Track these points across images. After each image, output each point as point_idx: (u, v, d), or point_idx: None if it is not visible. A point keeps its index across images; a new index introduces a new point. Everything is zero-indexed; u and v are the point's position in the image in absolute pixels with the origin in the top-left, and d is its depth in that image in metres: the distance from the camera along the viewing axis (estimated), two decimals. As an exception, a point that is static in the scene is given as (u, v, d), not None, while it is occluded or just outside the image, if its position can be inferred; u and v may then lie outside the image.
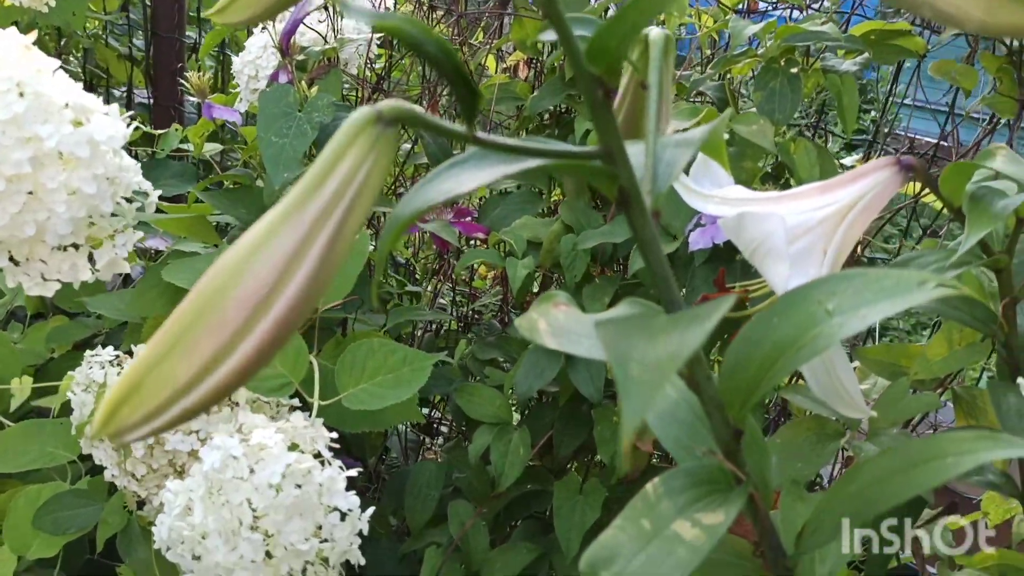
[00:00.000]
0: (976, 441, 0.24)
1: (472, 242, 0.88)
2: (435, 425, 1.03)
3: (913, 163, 0.47)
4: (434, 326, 0.99)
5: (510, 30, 0.84)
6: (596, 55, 0.23)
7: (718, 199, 0.47)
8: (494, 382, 0.79)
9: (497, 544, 0.76)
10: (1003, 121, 0.73)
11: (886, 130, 0.95)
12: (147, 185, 0.52)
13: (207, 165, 1.12)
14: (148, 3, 1.27)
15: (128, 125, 0.48)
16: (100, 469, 0.59)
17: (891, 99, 0.82)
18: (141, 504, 0.61)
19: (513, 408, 0.93)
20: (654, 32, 0.33)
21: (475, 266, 1.13)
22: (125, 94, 1.37)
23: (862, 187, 0.47)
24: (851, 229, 0.46)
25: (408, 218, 0.25)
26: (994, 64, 0.63)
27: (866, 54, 0.73)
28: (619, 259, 0.79)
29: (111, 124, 0.45)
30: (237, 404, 0.57)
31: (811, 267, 0.45)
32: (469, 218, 0.87)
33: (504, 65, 0.96)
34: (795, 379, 0.84)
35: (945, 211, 0.83)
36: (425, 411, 1.02)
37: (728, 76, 0.74)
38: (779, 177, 0.71)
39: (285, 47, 0.71)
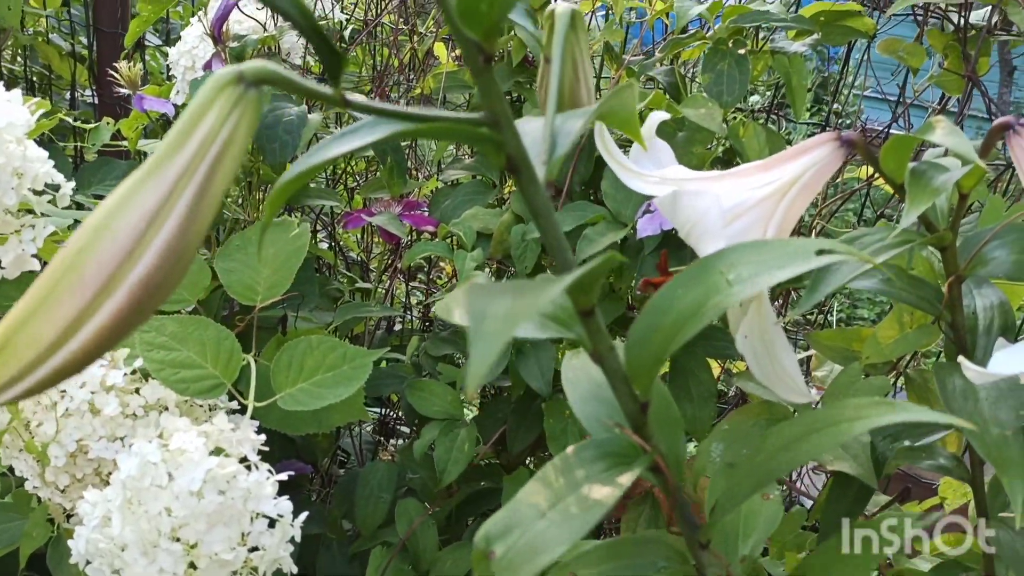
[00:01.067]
0: (872, 407, 0.23)
1: (423, 235, 0.86)
2: (392, 425, 1.01)
3: (853, 138, 0.46)
4: (386, 323, 0.97)
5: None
6: (469, 19, 0.21)
7: (657, 179, 0.46)
8: (448, 378, 0.77)
9: (448, 544, 0.74)
10: (952, 105, 0.73)
11: (841, 117, 0.94)
12: (59, 177, 0.49)
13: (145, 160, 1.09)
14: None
15: (33, 113, 0.45)
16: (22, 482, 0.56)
17: (842, 82, 0.81)
18: (70, 516, 0.58)
19: (470, 405, 0.91)
20: (561, 6, 0.32)
21: (437, 262, 1.11)
22: (69, 94, 1.32)
23: (803, 164, 0.45)
24: (792, 206, 0.45)
25: (293, 180, 0.24)
26: (941, 41, 0.62)
27: (816, 35, 0.72)
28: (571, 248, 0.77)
29: (13, 110, 0.42)
30: (166, 408, 0.54)
31: (752, 248, 0.44)
32: (419, 211, 0.84)
33: (454, 54, 0.93)
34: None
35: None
36: (382, 411, 0.99)
37: (678, 60, 0.72)
38: (730, 161, 0.70)
39: (217, 34, 0.68)
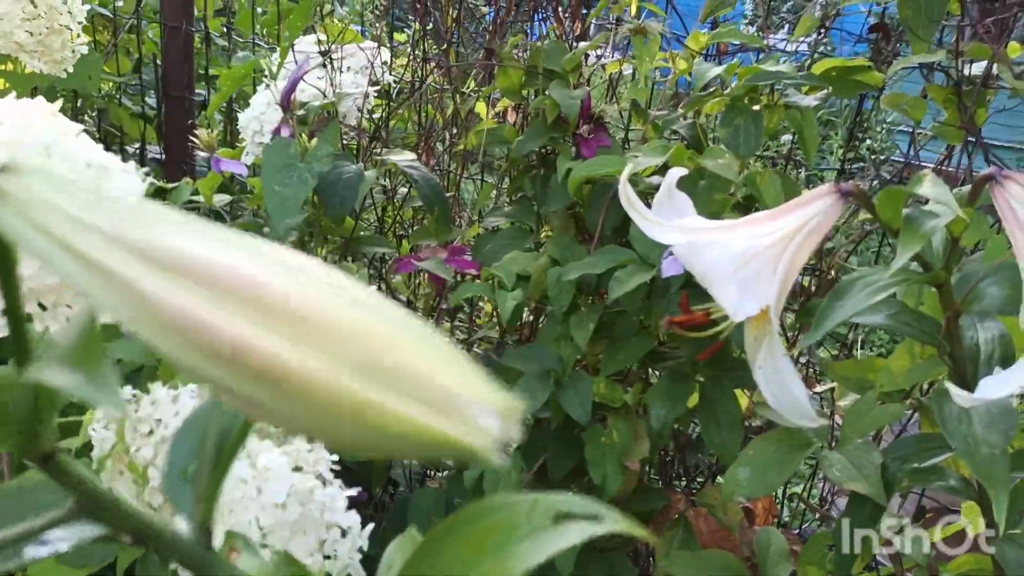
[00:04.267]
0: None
1: (467, 278, 0.93)
2: (439, 456, 1.07)
3: (852, 190, 0.52)
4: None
5: (496, 79, 0.90)
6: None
7: (675, 228, 0.52)
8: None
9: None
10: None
11: (875, 153, 1.00)
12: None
13: (217, 215, 1.18)
14: (160, 64, 1.34)
15: (143, 180, 0.54)
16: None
17: (855, 129, 0.87)
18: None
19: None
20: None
21: (477, 302, 1.18)
22: (138, 151, 1.44)
23: (806, 213, 0.52)
24: (799, 251, 0.51)
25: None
26: (941, 95, 0.68)
27: (826, 90, 0.78)
28: (602, 289, 0.83)
29: (129, 180, 0.51)
30: (246, 434, 0.61)
31: (761, 287, 0.50)
32: (463, 256, 0.92)
33: (494, 111, 1.02)
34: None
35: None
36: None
37: (699, 114, 0.79)
38: (748, 207, 0.76)
39: (286, 103, 0.77)
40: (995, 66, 0.62)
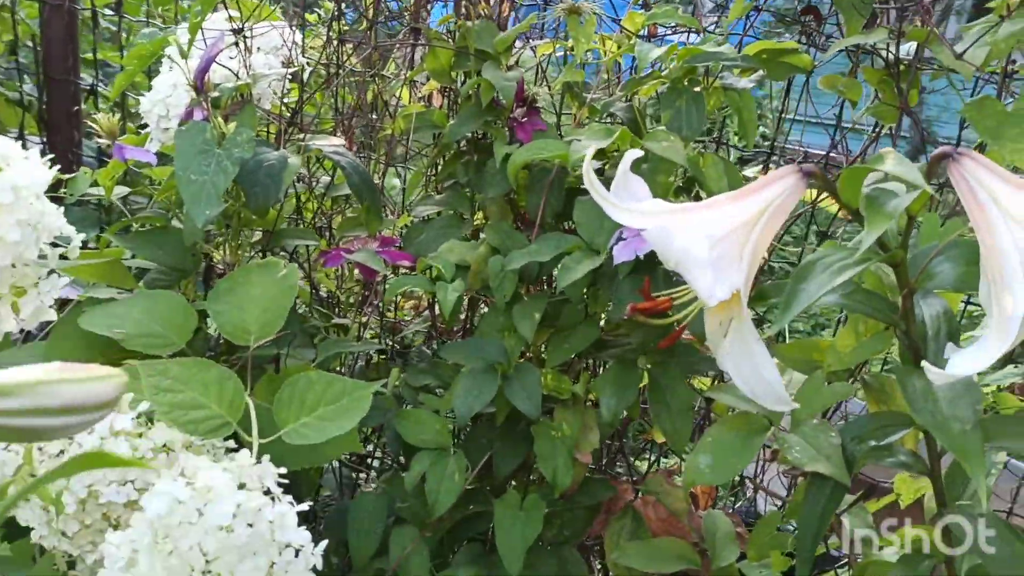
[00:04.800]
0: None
1: (399, 271, 0.88)
2: (368, 459, 1.02)
3: (814, 170, 0.51)
4: (364, 357, 0.98)
5: (424, 60, 0.86)
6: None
7: (639, 212, 0.50)
8: (429, 408, 0.80)
9: (442, 569, 0.76)
10: (885, 131, 0.80)
11: (779, 143, 1.01)
12: (69, 230, 0.50)
13: (107, 209, 1.09)
14: (39, 46, 1.22)
15: (49, 169, 0.47)
16: (21, 533, 0.56)
17: (783, 114, 0.88)
18: (72, 564, 0.58)
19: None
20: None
21: (395, 298, 1.13)
22: (17, 140, 1.31)
23: (769, 194, 0.50)
24: (764, 233, 0.50)
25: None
26: (875, 77, 0.69)
27: (760, 72, 0.78)
28: (545, 277, 0.81)
29: (32, 169, 0.44)
30: (172, 450, 0.55)
31: (730, 271, 0.48)
32: (393, 247, 0.87)
33: (418, 95, 0.97)
34: (715, 380, 0.88)
35: (841, 215, 0.89)
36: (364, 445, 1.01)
37: (635, 96, 0.77)
38: (689, 189, 0.75)
39: (200, 84, 0.70)
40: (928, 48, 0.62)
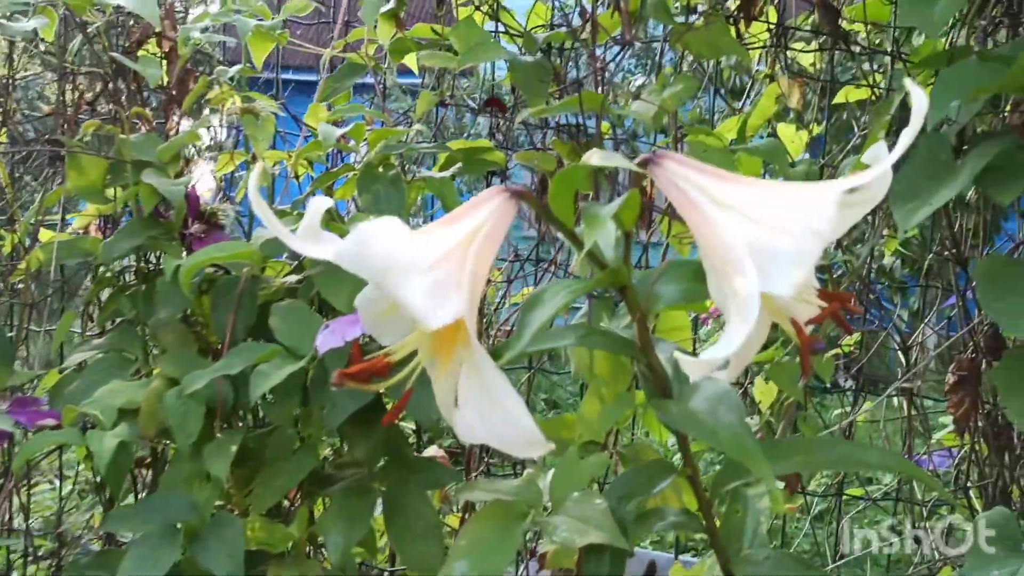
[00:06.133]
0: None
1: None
2: None
3: (521, 191, 0.47)
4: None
5: (65, 178, 0.71)
6: None
7: (328, 240, 0.41)
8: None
9: None
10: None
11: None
12: None
13: None
14: None
15: None
16: None
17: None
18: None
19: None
20: None
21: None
22: None
23: (479, 217, 0.45)
24: (481, 255, 0.43)
25: None
26: (565, 149, 0.69)
27: (458, 164, 0.76)
28: (247, 404, 0.66)
29: None
30: None
31: (451, 293, 0.40)
32: (35, 407, 0.67)
33: (72, 228, 0.81)
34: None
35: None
36: None
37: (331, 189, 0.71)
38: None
39: None
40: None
